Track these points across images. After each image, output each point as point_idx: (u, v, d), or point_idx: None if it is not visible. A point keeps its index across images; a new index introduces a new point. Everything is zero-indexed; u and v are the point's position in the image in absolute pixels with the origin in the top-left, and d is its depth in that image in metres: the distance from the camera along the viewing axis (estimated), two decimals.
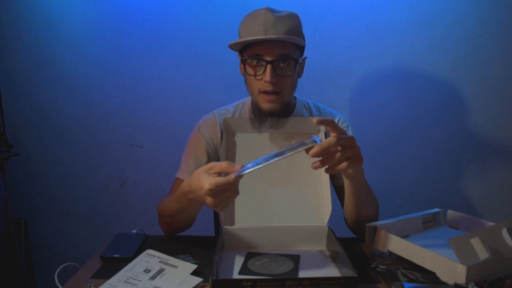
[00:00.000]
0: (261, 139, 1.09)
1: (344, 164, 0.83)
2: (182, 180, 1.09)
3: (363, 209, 1.01)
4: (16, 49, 1.87)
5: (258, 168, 0.78)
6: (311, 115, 1.19)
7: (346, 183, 0.96)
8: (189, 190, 0.86)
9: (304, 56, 1.11)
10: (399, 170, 1.83)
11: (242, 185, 1.03)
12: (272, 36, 0.97)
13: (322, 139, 0.98)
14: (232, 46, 1.05)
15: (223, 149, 1.06)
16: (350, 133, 1.18)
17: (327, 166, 0.83)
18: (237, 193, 0.81)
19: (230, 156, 1.06)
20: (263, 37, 0.97)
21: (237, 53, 1.11)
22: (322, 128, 1.08)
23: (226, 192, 0.79)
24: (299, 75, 1.12)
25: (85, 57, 1.85)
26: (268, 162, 0.78)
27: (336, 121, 1.18)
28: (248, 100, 1.21)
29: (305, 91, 1.76)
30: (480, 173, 1.82)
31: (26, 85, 1.90)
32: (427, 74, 1.75)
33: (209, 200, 0.79)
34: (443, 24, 1.70)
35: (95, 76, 1.86)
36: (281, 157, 0.78)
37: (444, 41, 1.72)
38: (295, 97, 1.21)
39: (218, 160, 1.17)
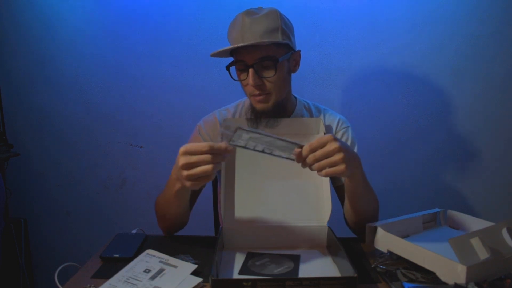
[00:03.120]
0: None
1: (322, 173, 0.82)
2: None
3: (362, 209, 1.01)
4: (16, 49, 1.87)
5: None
6: (311, 115, 1.19)
7: (346, 183, 0.96)
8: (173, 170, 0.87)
9: (297, 49, 1.11)
10: (399, 170, 1.83)
11: (243, 185, 1.04)
12: (246, 43, 0.97)
13: None
14: (219, 55, 1.05)
15: None
16: (350, 134, 1.18)
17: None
18: (213, 167, 0.79)
19: (230, 158, 1.06)
20: (237, 44, 0.98)
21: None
22: (322, 129, 1.08)
23: (199, 161, 0.79)
24: (293, 70, 1.12)
25: (85, 57, 1.85)
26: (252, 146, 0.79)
27: (336, 122, 1.18)
28: (248, 100, 1.21)
29: (305, 91, 1.77)
30: (480, 173, 1.82)
31: (26, 85, 1.90)
32: (427, 74, 1.75)
33: (181, 161, 0.79)
34: (443, 24, 1.70)
35: (95, 76, 1.86)
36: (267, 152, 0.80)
37: (444, 41, 1.72)
38: (295, 97, 1.21)
39: None
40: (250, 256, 0.93)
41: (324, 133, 1.07)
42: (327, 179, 1.03)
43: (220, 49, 1.01)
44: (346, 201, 1.02)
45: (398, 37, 1.73)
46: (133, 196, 1.95)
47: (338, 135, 1.16)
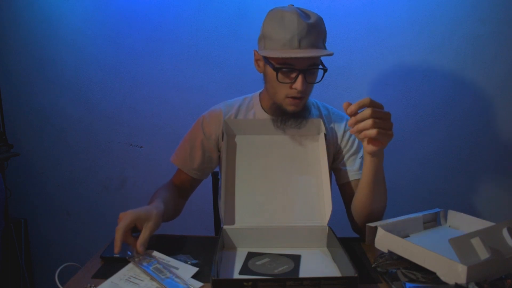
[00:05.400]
0: (262, 141, 1.09)
1: (373, 131, 0.84)
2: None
3: (375, 200, 1.00)
4: (16, 49, 1.87)
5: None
6: (320, 114, 1.19)
7: (366, 164, 0.95)
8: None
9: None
10: (399, 170, 1.84)
11: (243, 185, 1.04)
12: (307, 54, 0.96)
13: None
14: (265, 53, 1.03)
15: (223, 151, 1.06)
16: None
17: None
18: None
19: (231, 158, 1.07)
20: (300, 55, 0.96)
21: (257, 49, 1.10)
22: (322, 129, 1.08)
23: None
24: None
25: (85, 57, 1.85)
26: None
27: (344, 121, 1.19)
28: (256, 96, 1.21)
29: None
30: (480, 173, 1.82)
31: (26, 85, 1.90)
32: (427, 75, 1.76)
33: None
34: (443, 24, 1.70)
35: (95, 76, 1.86)
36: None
37: (444, 41, 1.72)
38: None
39: (219, 155, 1.19)
40: (250, 256, 0.93)
41: (325, 134, 1.07)
42: (328, 180, 1.03)
43: (279, 56, 0.98)
44: (360, 190, 1.00)
45: (398, 37, 1.73)
46: (133, 196, 1.95)
47: (346, 135, 1.18)
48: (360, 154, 1.16)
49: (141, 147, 1.91)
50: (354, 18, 1.72)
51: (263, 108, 1.16)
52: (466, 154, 1.81)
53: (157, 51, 1.81)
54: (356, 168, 1.14)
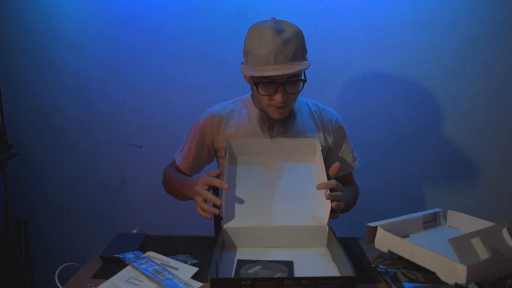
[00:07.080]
0: (262, 162, 1.11)
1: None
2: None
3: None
4: (16, 49, 1.87)
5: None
6: (310, 111, 1.25)
7: None
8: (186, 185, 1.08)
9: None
10: (399, 170, 1.83)
11: (243, 186, 1.04)
12: (283, 73, 1.00)
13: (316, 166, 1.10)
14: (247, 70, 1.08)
15: (225, 169, 1.06)
16: (346, 131, 1.27)
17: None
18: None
19: (231, 156, 1.07)
20: (273, 73, 1.00)
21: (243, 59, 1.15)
22: (319, 148, 1.09)
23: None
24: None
25: (85, 57, 1.85)
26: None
27: (335, 118, 1.26)
28: (248, 98, 1.24)
29: (304, 91, 1.75)
30: (480, 173, 1.82)
31: (26, 85, 1.90)
32: (427, 74, 1.75)
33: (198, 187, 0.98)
34: (443, 24, 1.70)
35: (95, 76, 1.86)
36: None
37: (444, 41, 1.72)
38: None
39: (211, 155, 1.29)
40: (240, 264, 0.90)
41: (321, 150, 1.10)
42: (325, 177, 1.03)
43: (253, 74, 1.03)
44: None
45: (398, 37, 1.73)
46: (133, 196, 1.95)
47: (338, 131, 1.25)
48: (351, 147, 1.27)
49: (141, 147, 1.91)
50: (354, 18, 1.72)
51: (256, 108, 1.21)
52: (466, 153, 1.80)
53: (157, 51, 1.81)
54: (351, 162, 1.26)
